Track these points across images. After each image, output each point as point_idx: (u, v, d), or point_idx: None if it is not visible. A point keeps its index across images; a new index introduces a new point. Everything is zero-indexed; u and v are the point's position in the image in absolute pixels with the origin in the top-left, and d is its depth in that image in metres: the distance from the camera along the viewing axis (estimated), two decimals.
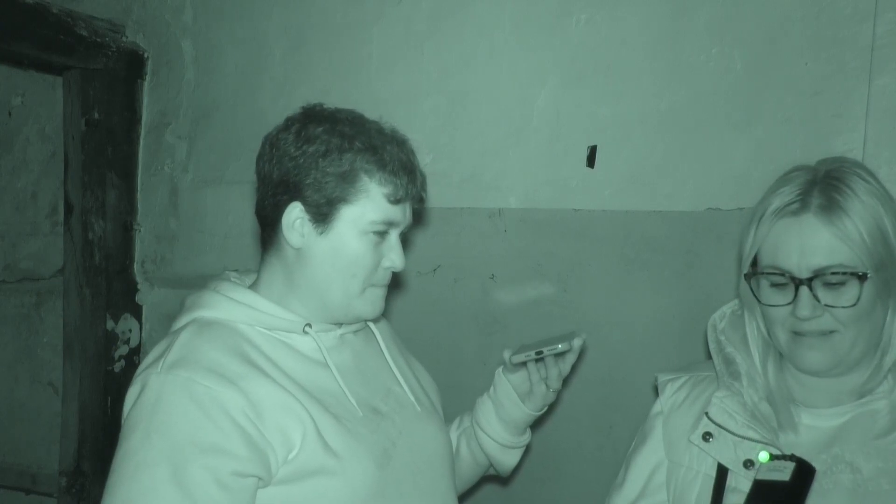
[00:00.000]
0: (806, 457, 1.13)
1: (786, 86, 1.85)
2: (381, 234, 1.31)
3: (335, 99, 1.87)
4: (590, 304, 2.06)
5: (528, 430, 1.57)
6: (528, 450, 1.60)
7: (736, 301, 1.35)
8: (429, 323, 2.24)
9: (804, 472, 1.09)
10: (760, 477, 1.12)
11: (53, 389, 2.91)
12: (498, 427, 1.51)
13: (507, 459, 1.56)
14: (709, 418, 1.25)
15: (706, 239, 1.92)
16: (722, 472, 1.22)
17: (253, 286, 1.38)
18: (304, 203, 1.28)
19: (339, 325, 1.38)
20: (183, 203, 2.65)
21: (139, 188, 2.73)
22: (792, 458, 1.12)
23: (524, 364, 1.46)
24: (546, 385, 1.47)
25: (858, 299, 1.14)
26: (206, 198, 2.58)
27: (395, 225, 1.33)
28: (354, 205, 1.28)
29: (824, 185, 1.18)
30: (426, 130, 2.26)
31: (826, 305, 1.16)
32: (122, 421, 1.23)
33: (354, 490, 1.25)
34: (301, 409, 1.23)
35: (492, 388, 1.52)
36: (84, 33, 2.54)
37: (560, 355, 1.45)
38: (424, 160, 2.25)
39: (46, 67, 2.73)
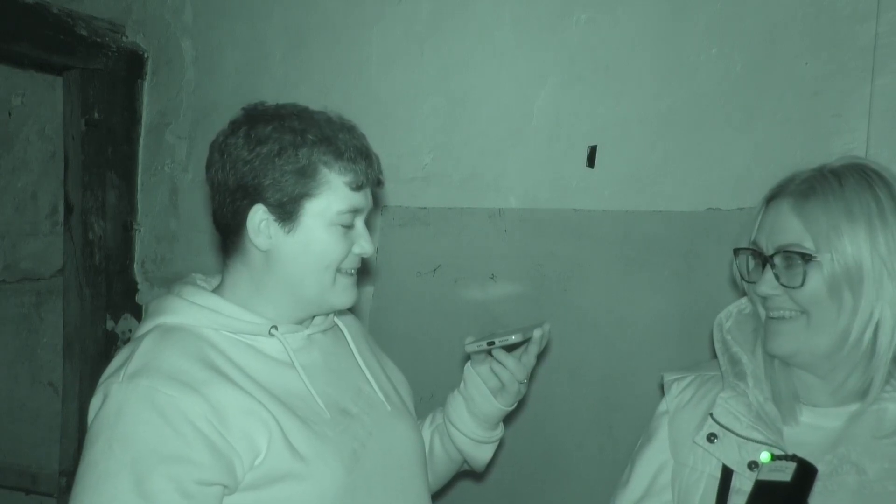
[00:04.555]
0: (811, 457, 1.13)
1: (786, 86, 1.85)
2: (348, 225, 1.30)
3: (335, 99, 1.88)
4: (590, 304, 2.06)
5: (501, 425, 1.55)
6: (502, 444, 1.59)
7: (742, 300, 1.35)
8: (429, 323, 2.24)
9: (806, 473, 1.09)
10: (762, 477, 1.11)
11: (53, 389, 2.91)
12: (469, 422, 1.50)
13: (481, 454, 1.55)
14: (713, 419, 1.24)
15: (706, 239, 1.92)
16: (727, 473, 1.21)
17: (217, 289, 1.36)
18: (266, 204, 1.26)
19: (307, 325, 1.37)
20: (183, 203, 2.65)
21: (139, 188, 2.73)
22: (794, 458, 1.11)
23: (489, 353, 1.44)
24: (517, 382, 1.45)
25: (804, 281, 1.16)
26: (205, 198, 2.58)
27: (359, 212, 1.32)
28: (318, 198, 1.27)
29: (814, 174, 1.21)
30: (426, 130, 2.26)
31: (782, 285, 1.18)
32: (87, 431, 1.21)
33: (323, 493, 1.24)
34: (266, 414, 1.22)
35: (462, 383, 1.51)
36: (84, 33, 2.54)
37: (518, 346, 1.43)
38: (424, 160, 2.27)
39: (46, 67, 2.72)
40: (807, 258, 1.16)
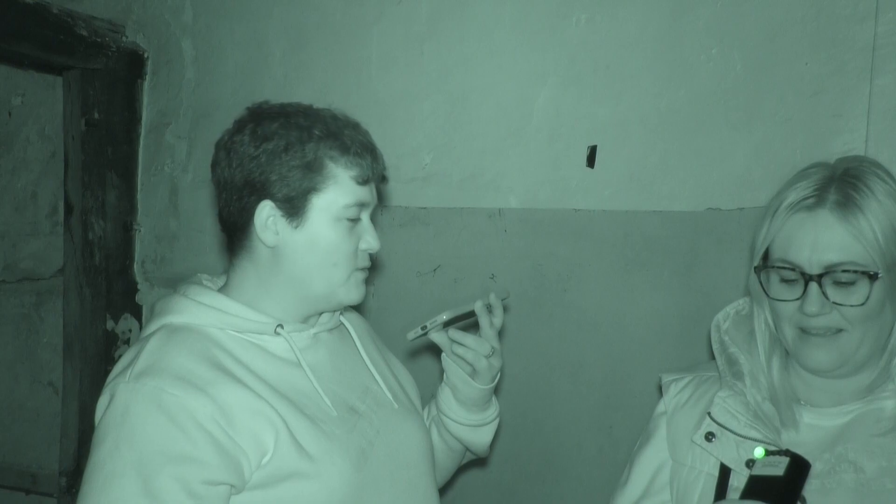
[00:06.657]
0: (809, 456, 1.13)
1: (786, 86, 1.85)
2: (354, 220, 1.31)
3: (335, 99, 1.87)
4: (590, 304, 2.06)
5: (494, 403, 1.54)
6: (501, 426, 1.57)
7: (740, 301, 1.35)
8: None
9: (798, 467, 1.09)
10: (755, 472, 1.12)
11: (53, 389, 2.91)
12: (459, 409, 1.50)
13: (480, 438, 1.54)
14: (711, 418, 1.25)
15: (706, 239, 1.92)
16: (725, 472, 1.22)
17: (223, 289, 1.36)
18: (274, 200, 1.27)
19: (313, 324, 1.37)
20: (183, 203, 2.65)
21: (139, 188, 2.73)
22: (786, 452, 1.12)
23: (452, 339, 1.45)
24: (483, 357, 1.44)
25: (867, 299, 1.14)
26: (206, 198, 2.58)
27: (365, 206, 1.33)
28: (324, 192, 1.28)
29: (842, 183, 1.17)
30: (426, 130, 2.26)
31: (835, 303, 1.15)
32: (94, 431, 1.22)
33: (331, 492, 1.24)
34: (273, 413, 1.22)
35: (444, 374, 1.51)
36: (84, 33, 2.54)
37: (461, 321, 1.43)
38: (424, 160, 2.27)
39: (46, 67, 2.73)
40: (873, 277, 1.14)
